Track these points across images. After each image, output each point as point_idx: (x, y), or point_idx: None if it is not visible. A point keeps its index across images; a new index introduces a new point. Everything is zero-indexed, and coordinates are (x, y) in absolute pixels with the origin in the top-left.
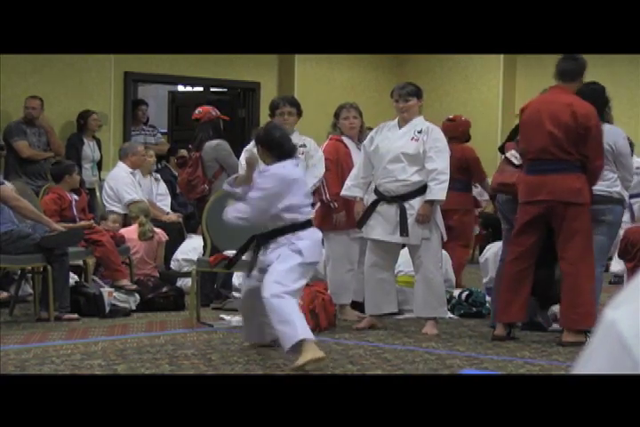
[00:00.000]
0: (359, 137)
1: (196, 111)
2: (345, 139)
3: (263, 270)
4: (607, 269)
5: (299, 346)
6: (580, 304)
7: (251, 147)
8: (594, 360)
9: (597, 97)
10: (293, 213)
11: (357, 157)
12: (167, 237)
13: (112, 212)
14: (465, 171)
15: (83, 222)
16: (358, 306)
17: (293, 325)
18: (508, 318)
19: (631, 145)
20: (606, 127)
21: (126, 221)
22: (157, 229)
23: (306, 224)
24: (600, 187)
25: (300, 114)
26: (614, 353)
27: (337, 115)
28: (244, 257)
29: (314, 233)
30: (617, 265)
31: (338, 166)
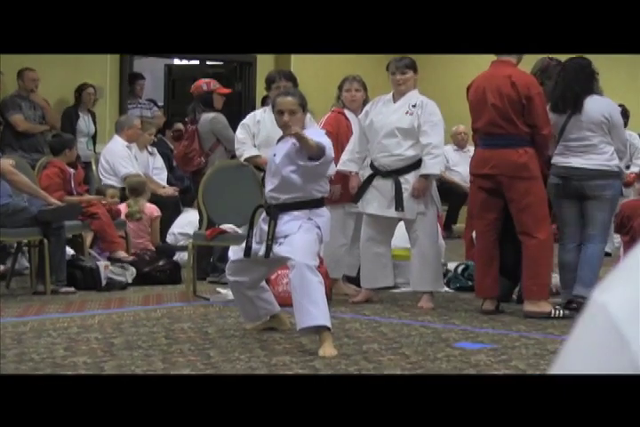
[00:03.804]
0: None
1: (193, 85)
2: (347, 112)
3: (260, 242)
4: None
5: (316, 330)
6: (539, 275)
7: (248, 121)
8: (581, 343)
9: (580, 70)
10: (323, 185)
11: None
12: (160, 213)
13: (109, 186)
14: None
15: (91, 196)
16: (352, 280)
17: (321, 309)
18: (483, 293)
19: (625, 115)
20: (597, 99)
21: (123, 194)
22: (149, 205)
23: (322, 201)
24: (598, 161)
25: (296, 88)
26: (604, 336)
27: (340, 87)
28: (239, 231)
29: (326, 212)
30: None
31: (338, 139)
